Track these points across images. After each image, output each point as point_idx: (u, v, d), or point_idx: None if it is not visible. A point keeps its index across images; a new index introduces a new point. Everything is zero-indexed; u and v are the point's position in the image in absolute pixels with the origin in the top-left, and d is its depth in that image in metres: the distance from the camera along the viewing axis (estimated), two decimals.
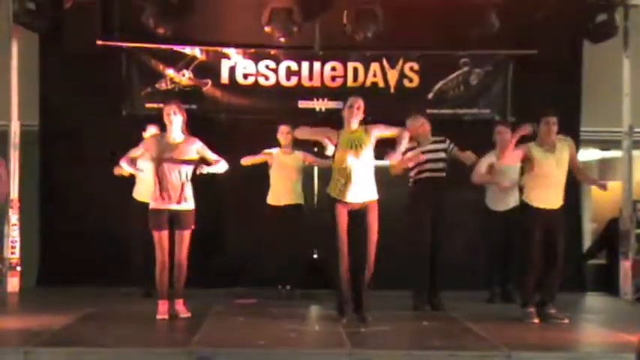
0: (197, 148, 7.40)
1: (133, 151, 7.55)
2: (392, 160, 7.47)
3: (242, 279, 9.61)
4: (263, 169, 8.88)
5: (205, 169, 7.41)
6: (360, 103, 7.33)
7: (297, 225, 8.75)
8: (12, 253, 9.12)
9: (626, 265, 9.45)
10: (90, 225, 9.32)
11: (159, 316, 7.29)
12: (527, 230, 7.48)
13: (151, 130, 8.45)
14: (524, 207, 7.58)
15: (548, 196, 7.44)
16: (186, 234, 7.37)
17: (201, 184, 7.59)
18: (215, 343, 6.35)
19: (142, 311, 7.62)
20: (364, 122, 7.41)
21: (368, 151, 7.20)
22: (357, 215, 7.23)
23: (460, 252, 9.26)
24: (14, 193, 9.25)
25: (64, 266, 9.51)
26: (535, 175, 7.47)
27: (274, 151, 8.86)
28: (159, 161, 7.31)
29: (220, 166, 7.54)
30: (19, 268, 9.18)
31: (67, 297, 8.53)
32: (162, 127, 7.54)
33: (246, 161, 8.79)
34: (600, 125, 10.16)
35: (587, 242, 10.83)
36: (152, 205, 7.36)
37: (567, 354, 6.26)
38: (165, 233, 7.31)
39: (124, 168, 7.73)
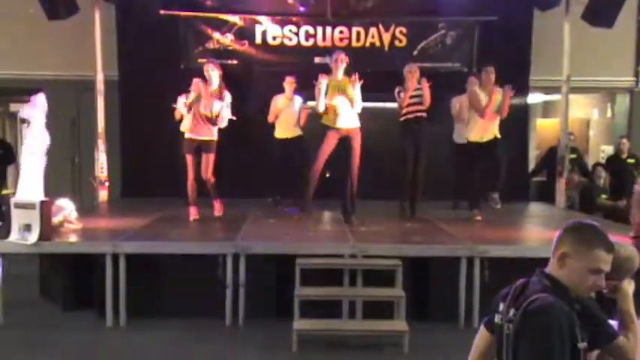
0: (224, 102, 7.38)
1: (189, 96, 7.53)
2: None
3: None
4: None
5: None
6: (342, 55, 7.38)
7: (299, 150, 8.72)
8: (101, 172, 9.26)
9: (561, 182, 9.53)
10: (158, 150, 9.40)
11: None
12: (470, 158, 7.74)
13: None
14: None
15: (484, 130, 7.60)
16: (211, 157, 7.41)
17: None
18: (253, 237, 6.55)
19: (201, 215, 7.74)
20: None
21: (349, 93, 7.25)
22: (346, 139, 7.31)
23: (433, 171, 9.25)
24: (101, 127, 9.36)
25: (140, 181, 9.68)
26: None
27: (279, 97, 8.84)
28: (197, 103, 7.34)
29: (223, 121, 7.47)
30: (107, 184, 9.32)
31: (143, 205, 8.72)
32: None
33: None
34: (545, 74, 10.09)
35: (531, 164, 10.89)
36: (186, 135, 7.46)
37: (511, 246, 6.40)
38: (194, 157, 7.41)
39: (180, 108, 7.73)
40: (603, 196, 9.64)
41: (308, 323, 5.59)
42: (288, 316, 5.66)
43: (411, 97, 7.89)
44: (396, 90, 7.94)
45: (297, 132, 8.85)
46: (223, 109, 7.41)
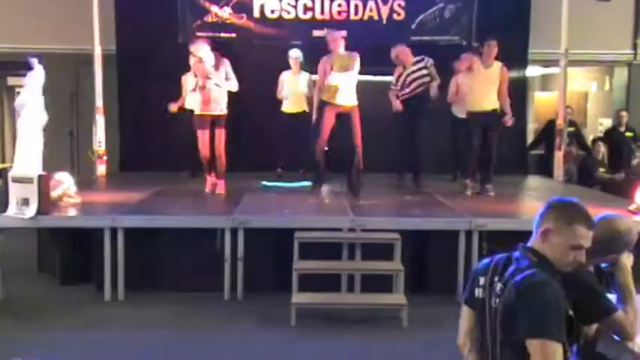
0: (225, 67, 7.26)
1: (188, 87, 7.53)
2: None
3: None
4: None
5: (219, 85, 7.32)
6: (338, 34, 7.32)
7: (304, 125, 8.46)
8: (99, 146, 9.12)
9: (559, 155, 9.42)
10: (156, 124, 9.31)
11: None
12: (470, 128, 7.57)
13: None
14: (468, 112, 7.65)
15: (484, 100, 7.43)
16: (223, 132, 7.34)
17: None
18: (252, 212, 6.48)
19: (194, 189, 7.72)
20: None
21: (352, 70, 7.15)
22: (345, 115, 7.22)
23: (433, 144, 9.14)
24: (99, 100, 9.22)
25: (138, 155, 9.58)
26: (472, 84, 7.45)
27: (286, 73, 8.77)
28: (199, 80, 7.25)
29: (232, 85, 7.36)
30: (105, 158, 9.20)
31: (142, 178, 8.58)
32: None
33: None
34: (543, 47, 9.96)
35: (529, 137, 10.80)
36: (197, 112, 7.34)
37: (509, 219, 6.33)
38: (207, 132, 7.32)
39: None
40: (601, 169, 9.56)
41: (306, 297, 5.52)
42: (286, 289, 5.58)
43: (408, 75, 7.89)
44: (392, 82, 7.98)
45: (304, 107, 8.72)
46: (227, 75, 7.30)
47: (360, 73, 7.34)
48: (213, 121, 7.32)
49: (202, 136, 7.34)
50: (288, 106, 8.81)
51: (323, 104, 7.24)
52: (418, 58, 7.99)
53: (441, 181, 8.60)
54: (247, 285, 6.00)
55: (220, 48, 7.63)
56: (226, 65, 7.29)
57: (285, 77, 8.77)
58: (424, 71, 7.93)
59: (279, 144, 8.89)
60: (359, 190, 7.37)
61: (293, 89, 8.73)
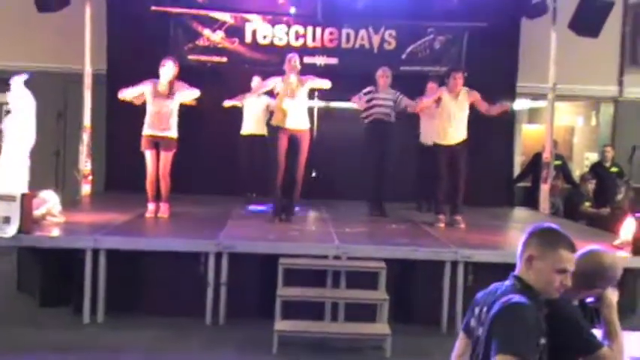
0: (180, 90, 7.16)
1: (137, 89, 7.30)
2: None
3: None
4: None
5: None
6: (296, 58, 7.26)
7: (261, 148, 8.52)
8: (85, 165, 9.05)
9: (545, 188, 9.45)
10: None
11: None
12: (437, 160, 7.46)
13: None
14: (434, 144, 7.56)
15: (451, 133, 7.36)
16: (170, 155, 7.18)
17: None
18: (236, 237, 6.40)
19: (181, 212, 7.62)
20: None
21: (300, 95, 7.17)
22: (294, 139, 7.20)
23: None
24: (87, 121, 9.16)
25: (124, 176, 9.46)
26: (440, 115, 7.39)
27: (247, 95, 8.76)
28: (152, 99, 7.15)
29: (194, 93, 7.28)
30: (90, 177, 9.11)
31: (126, 199, 8.46)
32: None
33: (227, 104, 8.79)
34: (532, 81, 10.04)
35: (516, 170, 10.83)
36: (145, 132, 7.19)
37: (495, 251, 6.27)
38: (153, 153, 7.18)
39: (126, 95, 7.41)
40: (587, 203, 9.57)
41: (289, 324, 5.43)
42: (269, 316, 5.49)
43: (378, 99, 7.90)
44: (363, 91, 7.91)
45: (261, 131, 8.74)
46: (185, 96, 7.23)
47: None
48: (159, 143, 7.18)
49: (149, 157, 7.19)
50: (246, 129, 8.84)
51: (275, 130, 7.26)
52: (393, 91, 7.98)
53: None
54: (230, 310, 5.90)
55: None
56: (179, 88, 7.17)
57: (247, 97, 8.76)
58: (390, 102, 7.92)
59: (243, 170, 8.93)
60: (290, 216, 7.35)
61: (252, 111, 8.79)
